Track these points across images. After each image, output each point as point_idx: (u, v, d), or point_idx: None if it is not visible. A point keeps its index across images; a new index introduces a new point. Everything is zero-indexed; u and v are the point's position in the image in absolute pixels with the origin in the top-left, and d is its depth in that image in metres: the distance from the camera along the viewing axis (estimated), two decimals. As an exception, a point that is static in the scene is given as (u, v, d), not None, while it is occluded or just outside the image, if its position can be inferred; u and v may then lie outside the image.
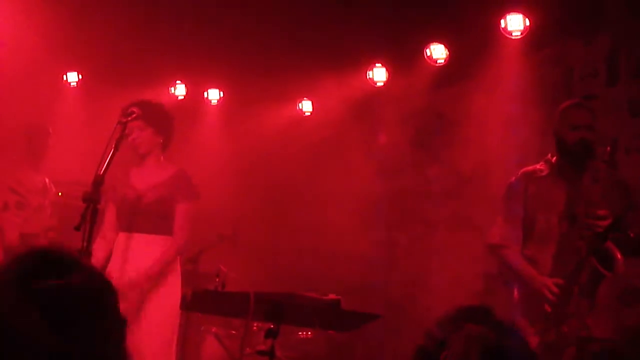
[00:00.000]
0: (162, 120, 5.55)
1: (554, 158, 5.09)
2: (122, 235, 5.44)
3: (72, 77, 8.74)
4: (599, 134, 5.02)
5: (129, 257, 5.32)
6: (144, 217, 5.39)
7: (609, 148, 4.85)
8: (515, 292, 5.13)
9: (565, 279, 4.78)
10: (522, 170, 5.19)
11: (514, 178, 5.20)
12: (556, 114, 5.08)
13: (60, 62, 8.42)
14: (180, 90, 8.86)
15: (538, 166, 5.14)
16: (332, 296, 4.09)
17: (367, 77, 8.13)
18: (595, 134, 4.95)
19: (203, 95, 9.00)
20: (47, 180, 7.34)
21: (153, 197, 5.42)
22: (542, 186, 5.05)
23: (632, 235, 4.75)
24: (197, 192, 5.56)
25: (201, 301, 4.25)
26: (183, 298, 4.35)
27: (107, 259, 5.39)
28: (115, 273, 5.23)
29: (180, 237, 5.42)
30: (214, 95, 8.99)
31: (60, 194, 7.54)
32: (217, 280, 4.17)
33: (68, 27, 7.21)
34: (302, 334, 7.00)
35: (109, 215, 5.55)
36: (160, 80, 8.47)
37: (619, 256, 4.60)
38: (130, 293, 5.12)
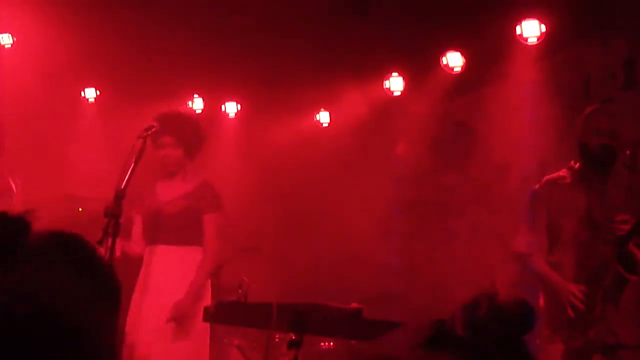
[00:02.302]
0: (193, 137, 5.58)
1: (577, 164, 5.07)
2: (148, 248, 5.50)
3: (90, 93, 8.79)
4: (620, 139, 5.01)
5: (153, 269, 5.36)
6: (168, 228, 5.42)
7: (628, 152, 4.85)
8: (541, 300, 5.12)
9: (589, 285, 4.77)
10: (545, 178, 5.18)
11: (537, 186, 5.18)
12: (579, 120, 5.06)
13: (79, 78, 8.47)
14: (198, 104, 8.90)
15: (561, 173, 5.13)
16: (354, 305, 4.09)
17: (385, 86, 8.14)
18: (618, 140, 4.93)
19: (221, 108, 9.03)
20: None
21: (177, 209, 5.45)
22: (565, 193, 5.03)
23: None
24: (221, 202, 5.59)
25: (224, 313, 4.26)
26: (206, 310, 4.36)
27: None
28: (141, 288, 5.27)
29: (213, 248, 5.45)
30: (231, 108, 9.02)
31: (80, 209, 7.56)
32: (240, 291, 4.17)
33: (86, 43, 7.27)
34: (324, 344, 6.99)
35: (136, 228, 5.59)
36: (178, 94, 8.51)
37: None
38: (180, 314, 5.16)
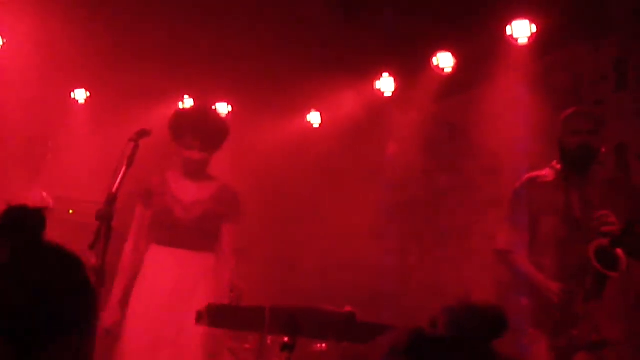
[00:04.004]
0: (219, 139, 5.51)
1: (559, 164, 5.12)
2: (160, 249, 5.36)
3: (80, 95, 8.77)
4: (605, 139, 5.06)
5: (168, 274, 5.26)
6: (189, 232, 5.31)
7: (603, 149, 4.92)
8: (524, 298, 5.14)
9: (571, 283, 4.80)
10: (526, 176, 5.23)
11: (518, 183, 5.24)
12: (558, 122, 5.12)
13: (68, 80, 8.45)
14: (188, 104, 8.87)
15: (543, 172, 5.18)
16: (347, 308, 4.09)
17: (375, 87, 8.14)
18: (599, 139, 4.98)
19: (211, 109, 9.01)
20: (44, 194, 7.33)
21: (198, 213, 5.35)
22: (546, 191, 5.08)
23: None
24: (242, 210, 5.52)
25: (217, 316, 4.25)
26: (198, 313, 4.34)
27: (136, 270, 5.35)
28: (146, 291, 5.20)
29: (232, 259, 5.36)
30: (222, 108, 9.01)
31: (71, 211, 7.54)
32: (232, 295, 4.17)
33: (75, 44, 7.25)
34: (317, 346, 6.98)
35: (142, 221, 5.45)
36: (168, 95, 8.50)
37: (621, 255, 4.61)
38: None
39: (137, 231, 5.42)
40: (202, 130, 5.33)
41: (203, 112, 5.58)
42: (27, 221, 1.64)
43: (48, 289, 1.64)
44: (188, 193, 5.42)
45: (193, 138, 5.32)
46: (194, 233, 5.32)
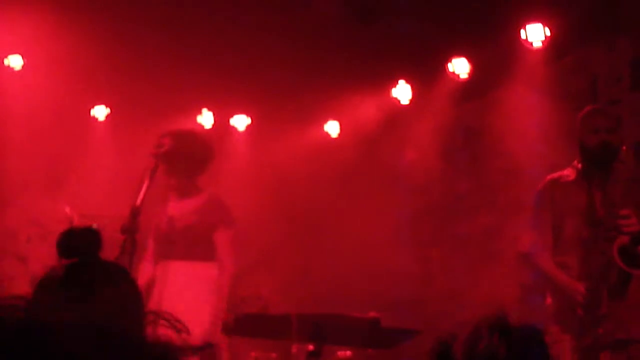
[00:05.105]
0: (197, 151, 5.62)
1: (580, 164, 5.12)
2: (160, 264, 5.53)
3: (100, 111, 8.84)
4: (624, 138, 5.07)
5: (166, 284, 5.38)
6: (179, 243, 5.46)
7: (624, 148, 4.92)
8: (548, 299, 5.15)
9: (595, 282, 4.81)
10: (548, 177, 5.23)
11: (540, 185, 5.25)
12: (577, 121, 5.13)
13: (88, 97, 8.52)
14: (207, 118, 8.93)
15: (565, 172, 5.18)
16: (372, 314, 4.13)
17: (392, 95, 8.17)
18: (619, 137, 4.98)
19: (230, 122, 9.07)
20: (68, 209, 7.40)
21: (186, 223, 5.49)
22: (568, 191, 5.09)
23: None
24: (232, 216, 5.64)
25: (244, 325, 4.30)
26: (225, 323, 4.39)
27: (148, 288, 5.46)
28: (154, 304, 5.30)
29: (229, 265, 5.49)
30: (240, 121, 9.06)
31: (94, 226, 7.59)
32: (259, 303, 4.22)
33: (94, 61, 7.32)
34: (341, 353, 7.01)
35: (148, 245, 5.65)
36: (187, 109, 8.55)
37: None
38: (208, 341, 5.19)
39: (145, 256, 5.59)
40: (181, 158, 5.40)
41: (180, 138, 5.61)
42: (84, 241, 1.72)
43: (112, 300, 1.70)
44: (175, 209, 5.60)
45: (174, 167, 5.41)
46: (187, 244, 5.48)
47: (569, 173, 5.15)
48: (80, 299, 1.74)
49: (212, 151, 5.79)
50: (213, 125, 8.89)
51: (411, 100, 8.12)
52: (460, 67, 7.52)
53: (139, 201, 4.62)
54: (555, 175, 5.21)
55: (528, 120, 7.11)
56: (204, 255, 5.47)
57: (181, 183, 5.56)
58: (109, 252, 4.36)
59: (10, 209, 7.06)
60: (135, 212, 4.57)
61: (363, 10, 7.05)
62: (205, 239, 5.49)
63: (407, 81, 8.09)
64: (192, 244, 5.46)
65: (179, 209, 5.58)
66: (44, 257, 7.13)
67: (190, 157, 5.53)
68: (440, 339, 2.18)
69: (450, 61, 7.52)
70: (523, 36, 6.77)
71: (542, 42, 6.73)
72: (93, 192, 7.77)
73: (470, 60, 7.46)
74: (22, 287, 6.71)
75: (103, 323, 1.43)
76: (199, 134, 5.93)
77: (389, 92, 8.16)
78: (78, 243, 1.80)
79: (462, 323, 6.83)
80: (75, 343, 1.25)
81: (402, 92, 8.13)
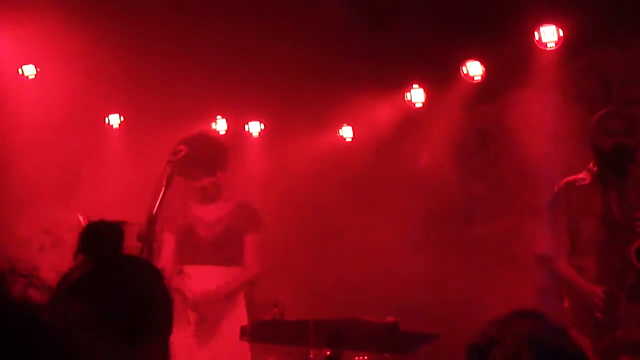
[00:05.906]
0: (217, 157, 5.66)
1: (595, 167, 5.11)
2: (184, 268, 5.52)
3: (114, 119, 8.86)
4: (634, 138, 5.04)
5: (194, 289, 5.38)
6: (212, 249, 5.49)
7: None
8: (565, 302, 5.13)
9: (612, 285, 4.79)
10: (564, 180, 5.23)
11: (556, 188, 5.23)
12: (591, 123, 5.11)
13: (102, 105, 8.55)
14: (221, 125, 8.95)
15: (580, 175, 5.17)
16: (390, 319, 4.12)
17: (406, 98, 8.17)
18: (635, 139, 4.96)
19: (244, 128, 9.08)
20: (80, 217, 7.40)
21: (220, 229, 5.53)
22: (584, 194, 5.08)
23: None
24: (262, 220, 5.68)
25: (261, 331, 4.31)
26: (243, 329, 4.40)
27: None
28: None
29: (254, 267, 5.53)
30: (255, 127, 9.07)
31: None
32: (275, 309, 4.22)
33: (107, 69, 7.35)
34: (359, 358, 6.98)
35: (168, 246, 5.63)
36: (201, 116, 8.56)
37: None
38: (203, 304, 5.21)
39: (167, 255, 5.56)
40: (198, 159, 5.43)
41: (194, 141, 5.67)
42: (108, 235, 1.75)
43: (143, 294, 1.73)
44: (208, 213, 5.66)
45: (194, 169, 5.43)
46: (217, 249, 5.51)
47: (584, 176, 5.14)
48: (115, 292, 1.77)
49: (225, 148, 5.83)
50: (227, 132, 8.91)
51: (425, 104, 8.11)
52: (474, 69, 7.51)
53: (155, 209, 4.61)
54: (571, 178, 5.20)
55: (542, 122, 7.10)
56: (233, 260, 5.52)
57: (209, 187, 5.58)
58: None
59: (23, 217, 7.08)
60: (151, 220, 4.56)
61: (374, 14, 7.05)
62: (236, 243, 5.54)
63: (421, 85, 8.08)
64: (223, 249, 5.50)
65: (210, 214, 5.61)
66: (57, 265, 7.13)
67: (207, 156, 5.57)
68: (473, 343, 2.12)
69: (464, 64, 7.50)
70: (536, 38, 6.75)
71: (556, 43, 6.71)
72: (107, 201, 7.77)
73: (483, 62, 7.45)
74: (34, 296, 6.72)
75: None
76: (208, 134, 5.96)
77: (403, 95, 8.15)
78: (104, 237, 1.81)
79: (480, 326, 6.82)
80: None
81: (416, 95, 8.12)
